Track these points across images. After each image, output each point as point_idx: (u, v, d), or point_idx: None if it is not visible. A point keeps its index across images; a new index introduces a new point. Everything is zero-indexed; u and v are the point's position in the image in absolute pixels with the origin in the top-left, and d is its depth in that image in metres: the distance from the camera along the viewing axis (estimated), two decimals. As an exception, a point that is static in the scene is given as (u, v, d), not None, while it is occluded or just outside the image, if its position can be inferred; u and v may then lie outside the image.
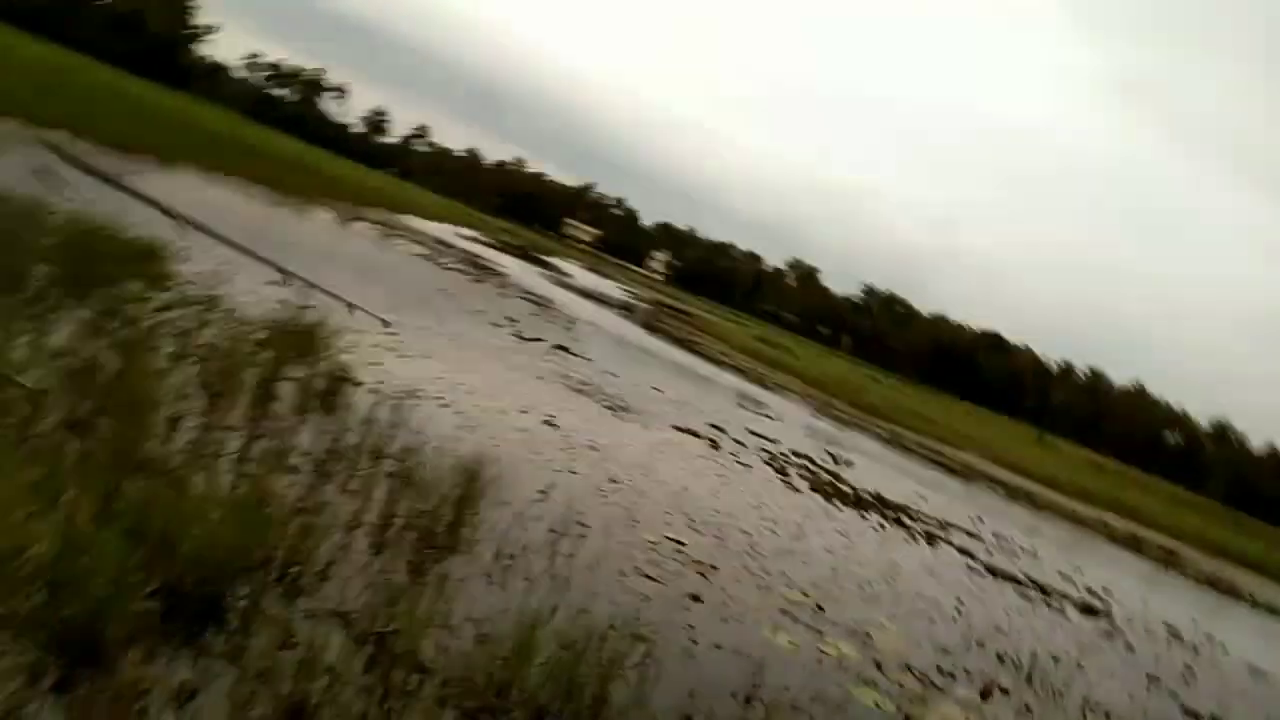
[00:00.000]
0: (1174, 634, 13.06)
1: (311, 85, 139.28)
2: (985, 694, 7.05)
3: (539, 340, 18.69)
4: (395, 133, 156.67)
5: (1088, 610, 12.32)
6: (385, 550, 5.50)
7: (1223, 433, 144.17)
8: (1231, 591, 23.28)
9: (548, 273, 50.30)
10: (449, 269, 27.63)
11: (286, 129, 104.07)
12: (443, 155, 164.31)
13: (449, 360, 12.37)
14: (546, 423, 10.82)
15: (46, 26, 76.49)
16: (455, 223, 65.50)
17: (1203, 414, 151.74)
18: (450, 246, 38.42)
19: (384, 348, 11.22)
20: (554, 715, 4.23)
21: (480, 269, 32.52)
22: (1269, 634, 18.45)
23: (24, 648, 3.36)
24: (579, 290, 45.00)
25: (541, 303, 28.56)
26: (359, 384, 8.75)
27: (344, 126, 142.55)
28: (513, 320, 20.19)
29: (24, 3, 77.40)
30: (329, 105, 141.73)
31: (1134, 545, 25.88)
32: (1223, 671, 11.74)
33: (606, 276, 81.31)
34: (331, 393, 8.10)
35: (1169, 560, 25.46)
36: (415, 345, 12.31)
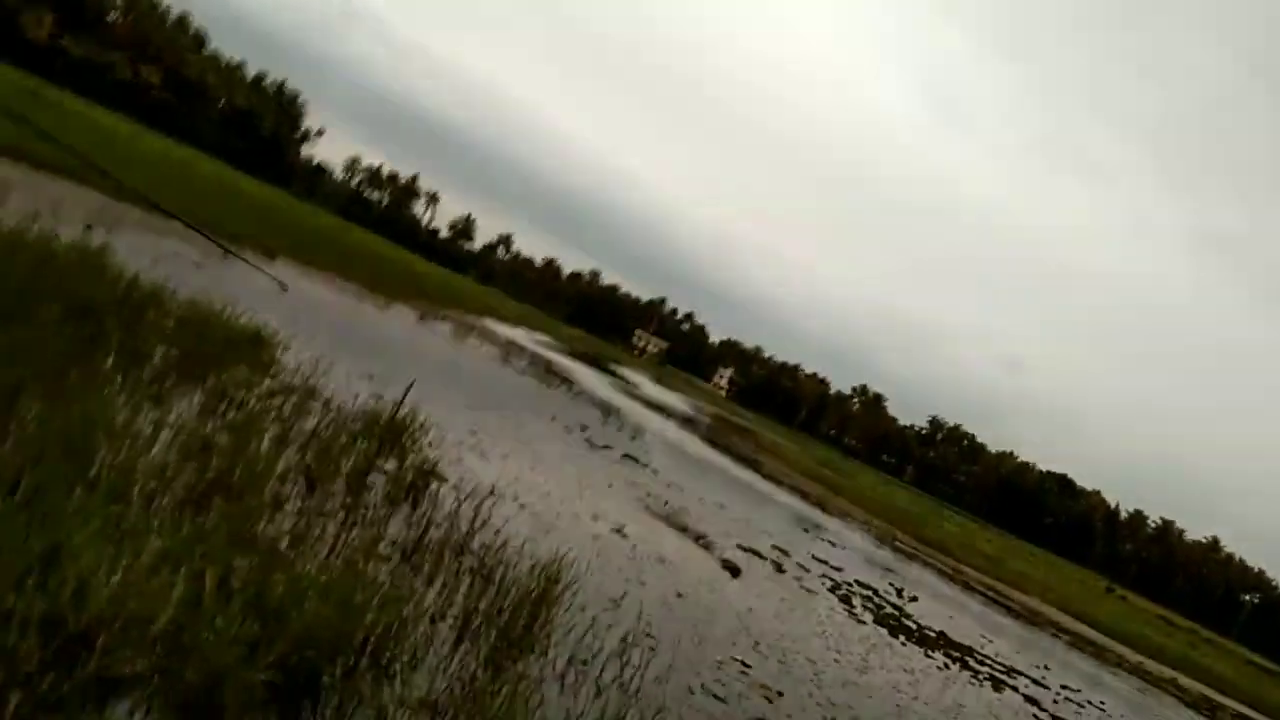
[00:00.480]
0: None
1: (405, 190, 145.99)
2: None
3: (608, 448, 18.96)
4: (480, 239, 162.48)
5: (1163, 776, 11.74)
6: (467, 643, 5.68)
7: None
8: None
9: (616, 381, 50.95)
10: (524, 374, 28.32)
11: (377, 230, 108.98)
12: (523, 263, 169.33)
13: (525, 462, 12.68)
14: (616, 531, 10.97)
15: (166, 122, 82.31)
16: (530, 327, 67.11)
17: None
18: (524, 350, 39.37)
19: (466, 446, 11.59)
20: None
21: (553, 374, 33.22)
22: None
23: (154, 705, 3.61)
24: (645, 401, 45.42)
25: (609, 411, 28.96)
26: (443, 480, 9.08)
27: (434, 232, 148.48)
28: (583, 427, 20.53)
29: (147, 99, 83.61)
30: (419, 210, 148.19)
31: (1207, 709, 24.49)
32: None
33: (672, 389, 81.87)
34: (418, 486, 8.42)
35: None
36: (493, 446, 12.67)
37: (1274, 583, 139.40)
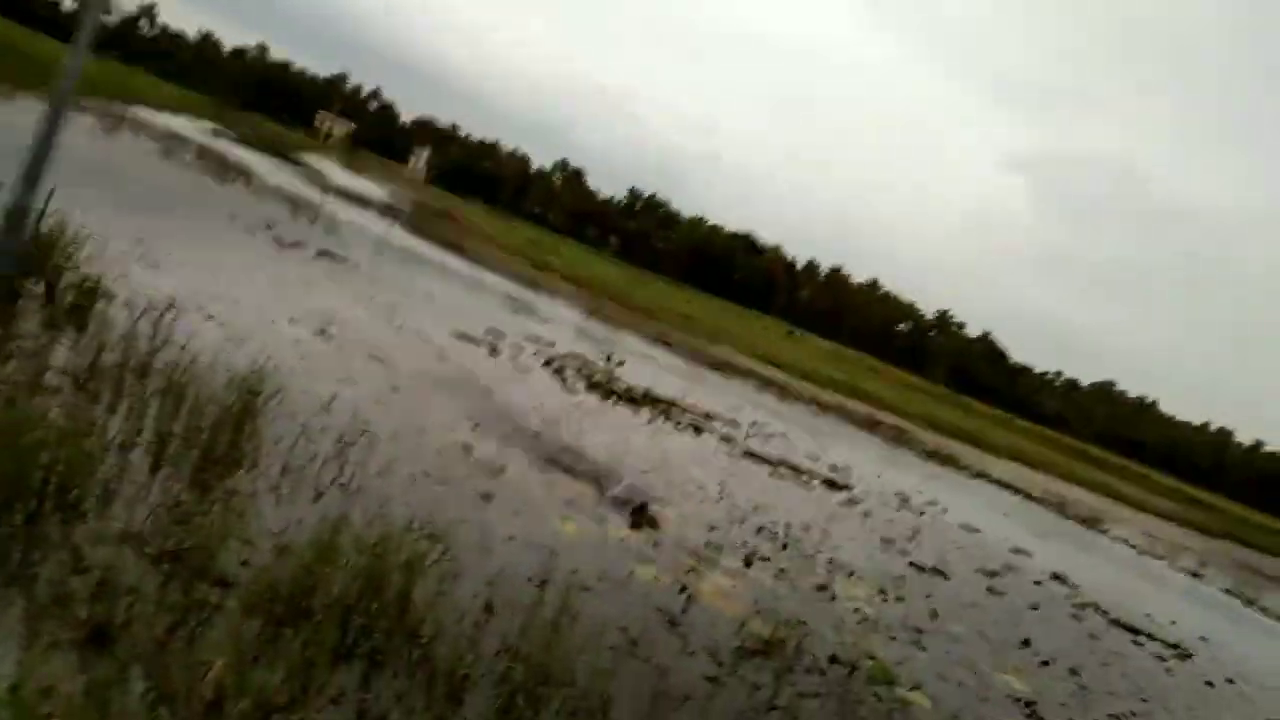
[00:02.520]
0: (904, 502, 14.96)
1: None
2: (748, 562, 7.91)
3: (300, 246, 17.84)
4: (116, 12, 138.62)
5: (832, 485, 13.83)
6: (166, 469, 5.35)
7: (944, 322, 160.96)
8: (951, 462, 26.67)
9: (301, 170, 47.34)
10: (190, 168, 25.46)
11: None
12: (173, 39, 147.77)
13: (205, 270, 11.65)
14: (319, 333, 10.55)
15: None
16: (194, 115, 59.78)
17: (930, 306, 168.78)
18: (189, 142, 35.22)
19: (133, 258, 10.40)
20: (360, 614, 4.40)
21: (227, 168, 30.15)
22: (981, 496, 21.43)
23: None
24: (337, 190, 42.81)
25: (298, 204, 27.05)
26: (111, 297, 8.16)
27: (53, 3, 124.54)
28: (269, 224, 19.06)
29: None
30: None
31: (870, 426, 28.88)
32: (943, 531, 13.64)
33: (365, 175, 77.50)
34: (81, 308, 7.53)
35: (899, 438, 28.66)
36: (166, 255, 11.46)
37: (921, 312, 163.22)
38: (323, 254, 17.83)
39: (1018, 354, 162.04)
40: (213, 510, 4.87)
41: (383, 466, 6.69)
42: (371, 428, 7.51)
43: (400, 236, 32.35)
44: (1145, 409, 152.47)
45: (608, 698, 4.51)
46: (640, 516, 7.94)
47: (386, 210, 43.89)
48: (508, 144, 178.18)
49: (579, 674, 4.64)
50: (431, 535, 5.51)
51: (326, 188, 41.60)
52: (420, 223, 44.00)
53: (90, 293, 7.85)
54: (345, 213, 31.78)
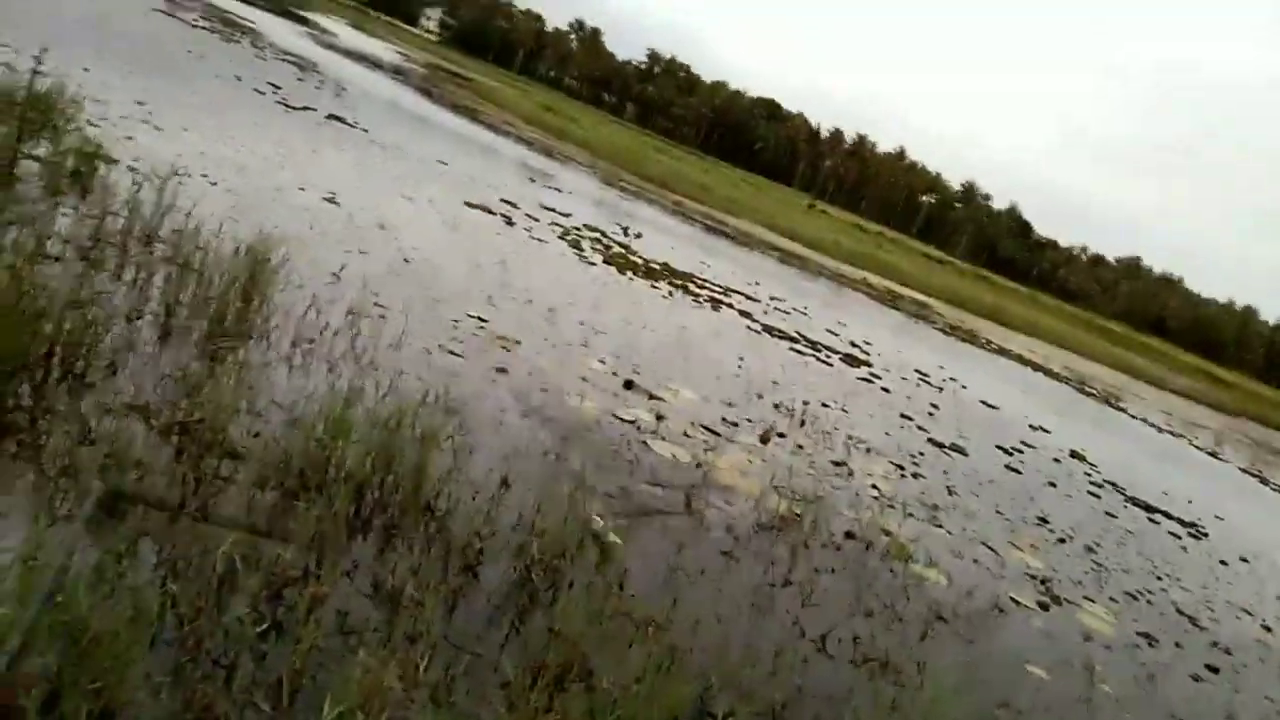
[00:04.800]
0: (923, 378, 14.86)
1: None
2: (765, 439, 7.86)
3: (309, 110, 17.34)
4: None
5: (851, 361, 13.72)
6: (173, 340, 5.25)
7: (970, 194, 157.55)
8: (971, 339, 26.48)
9: (309, 30, 45.83)
10: (195, 26, 24.57)
11: None
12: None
13: (210, 134, 11.30)
14: (328, 200, 10.30)
15: None
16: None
17: (955, 178, 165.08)
18: None
19: (136, 120, 10.08)
20: (374, 488, 4.36)
21: (232, 26, 29.12)
22: (998, 373, 21.32)
23: None
24: (345, 51, 41.50)
25: (305, 66, 26.22)
26: (114, 162, 7.90)
27: None
28: (276, 87, 18.49)
29: None
30: None
31: (891, 301, 28.58)
32: (962, 407, 13.58)
33: (374, 36, 75.02)
34: (83, 173, 7.29)
35: (920, 314, 28.40)
36: (170, 117, 11.12)
37: (948, 183, 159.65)
38: (331, 118, 17.34)
39: (1043, 228, 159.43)
40: (222, 382, 4.77)
41: (395, 339, 6.57)
42: (383, 300, 7.37)
43: (411, 100, 31.45)
44: (1170, 285, 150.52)
45: (624, 571, 4.50)
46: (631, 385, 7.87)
47: (396, 73, 42.60)
48: (522, 3, 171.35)
49: (592, 550, 4.63)
50: (446, 409, 5.43)
51: (334, 48, 40.30)
52: (431, 86, 42.76)
53: (91, 157, 7.60)
54: (354, 75, 30.83)
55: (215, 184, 8.83)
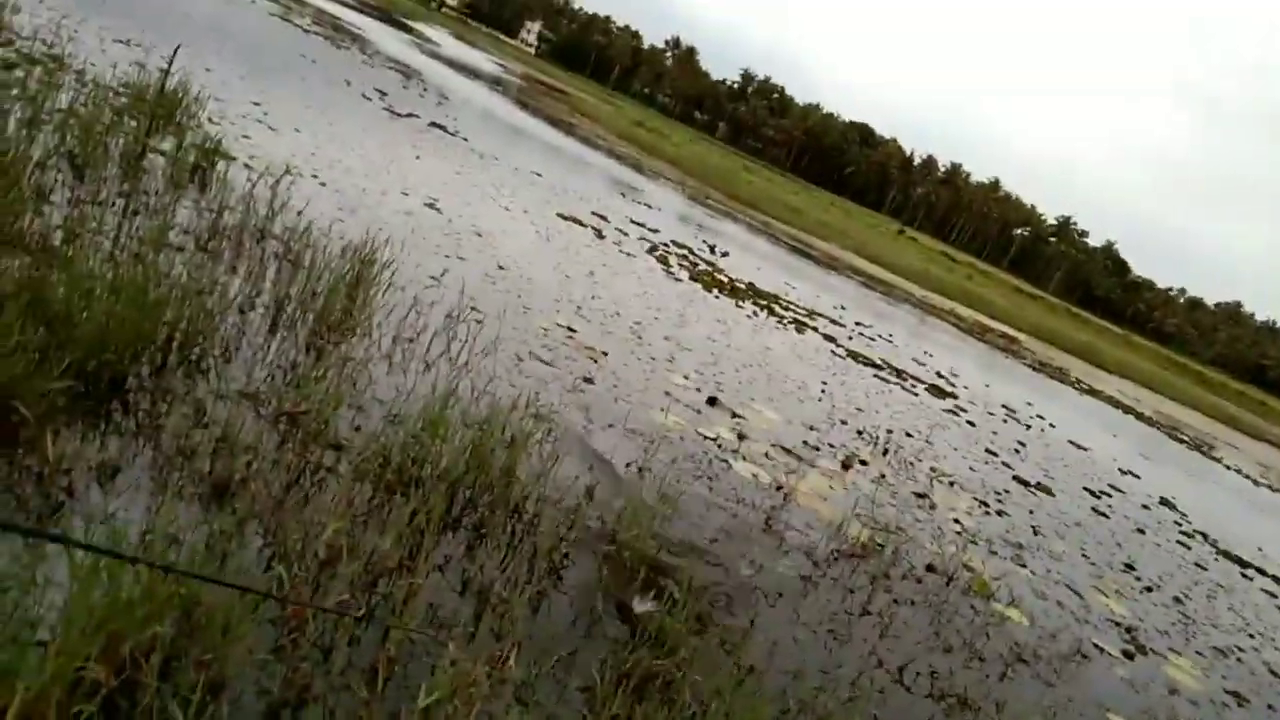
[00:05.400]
0: (1010, 413, 14.51)
1: None
2: (846, 465, 7.79)
3: (413, 116, 17.85)
4: None
5: (937, 392, 13.48)
6: (282, 332, 5.47)
7: (1065, 229, 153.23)
8: (1060, 376, 25.74)
9: (414, 39, 47.15)
10: (308, 31, 25.53)
11: None
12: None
13: (321, 135, 11.74)
14: (429, 205, 10.58)
15: None
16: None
17: (1050, 209, 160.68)
18: (306, 4, 35.27)
19: (252, 120, 10.54)
20: (466, 487, 4.47)
21: (342, 33, 30.18)
22: (1088, 413, 20.67)
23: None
24: (447, 60, 42.56)
25: (410, 73, 26.98)
26: (231, 159, 8.28)
27: None
28: (382, 93, 19.09)
29: None
30: None
31: (980, 334, 27.98)
32: (1049, 446, 13.21)
33: (474, 46, 76.80)
34: (203, 167, 7.66)
35: (1009, 348, 27.73)
36: (283, 117, 11.59)
37: (1042, 216, 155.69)
38: (433, 125, 17.81)
39: (1140, 266, 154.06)
40: (327, 375, 4.96)
41: (489, 344, 6.72)
42: (478, 305, 7.55)
43: (508, 111, 32.08)
44: (1273, 333, 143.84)
45: (702, 588, 4.52)
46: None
47: (495, 84, 43.51)
48: (621, 19, 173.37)
49: (674, 563, 4.66)
50: (535, 415, 5.54)
51: (437, 57, 41.37)
52: (529, 98, 43.55)
53: (211, 153, 7.98)
54: (455, 84, 31.60)
55: (324, 184, 9.17)
